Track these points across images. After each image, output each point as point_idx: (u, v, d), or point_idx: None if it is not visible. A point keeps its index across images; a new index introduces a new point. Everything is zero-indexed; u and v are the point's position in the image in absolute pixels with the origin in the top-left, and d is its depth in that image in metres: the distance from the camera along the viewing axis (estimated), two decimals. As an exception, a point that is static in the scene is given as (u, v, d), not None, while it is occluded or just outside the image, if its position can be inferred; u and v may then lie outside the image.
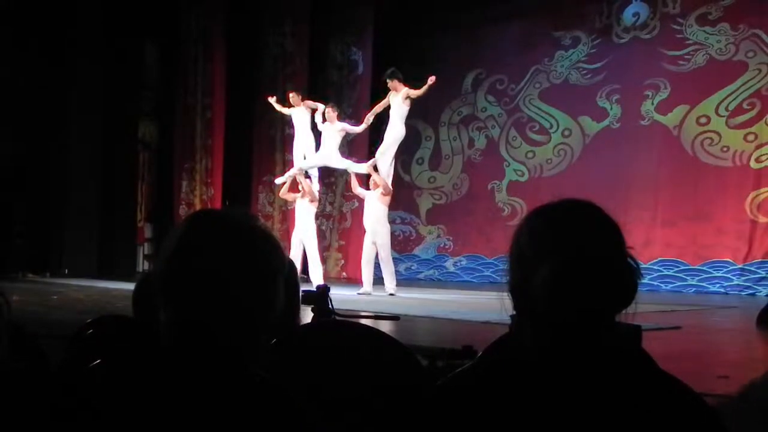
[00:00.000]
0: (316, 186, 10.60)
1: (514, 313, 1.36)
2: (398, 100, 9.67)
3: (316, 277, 9.84)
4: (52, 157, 13.03)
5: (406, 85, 9.67)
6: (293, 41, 12.86)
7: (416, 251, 13.44)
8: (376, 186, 9.55)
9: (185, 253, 1.30)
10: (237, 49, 13.17)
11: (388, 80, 9.73)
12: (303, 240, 10.14)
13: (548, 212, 1.36)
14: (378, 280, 9.59)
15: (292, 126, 12.17)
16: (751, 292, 10.14)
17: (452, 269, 13.01)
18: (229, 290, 1.29)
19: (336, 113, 10.35)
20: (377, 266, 9.60)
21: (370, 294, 9.24)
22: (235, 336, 1.30)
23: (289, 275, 2.32)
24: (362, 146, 12.73)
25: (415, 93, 9.65)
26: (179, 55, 13.52)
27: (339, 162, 10.33)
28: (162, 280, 1.31)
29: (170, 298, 1.31)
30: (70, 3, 12.71)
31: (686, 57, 11.00)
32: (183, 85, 13.47)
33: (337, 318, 3.36)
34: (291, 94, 10.98)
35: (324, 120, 10.37)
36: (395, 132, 9.79)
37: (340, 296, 7.52)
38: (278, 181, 11.04)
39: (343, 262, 13.26)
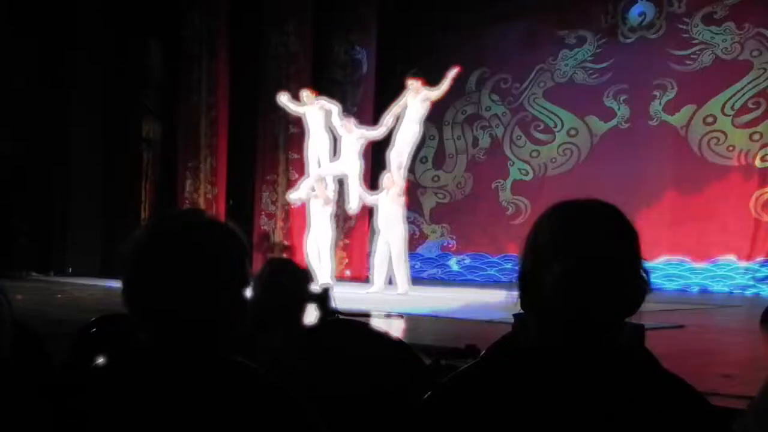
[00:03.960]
0: (331, 186, 10.57)
1: (520, 308, 1.36)
2: (416, 102, 9.65)
3: (324, 276, 9.84)
4: (55, 156, 13.04)
5: (426, 85, 9.70)
6: (297, 40, 12.84)
7: (420, 250, 13.43)
8: (390, 185, 9.51)
9: (146, 256, 1.34)
10: (240, 47, 13.17)
11: (410, 79, 9.75)
12: (318, 240, 10.19)
13: (570, 209, 1.35)
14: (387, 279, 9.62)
15: (299, 125, 12.20)
16: (755, 291, 10.13)
17: (456, 268, 13.00)
18: (196, 283, 1.32)
19: (352, 122, 10.33)
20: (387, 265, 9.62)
21: (381, 292, 9.26)
22: (209, 328, 1.33)
23: (297, 278, 2.32)
24: (368, 145, 12.74)
25: (436, 94, 9.64)
26: (183, 53, 13.51)
27: (354, 179, 10.19)
28: (128, 284, 1.35)
29: (136, 297, 1.34)
30: (72, 1, 12.72)
31: (692, 56, 10.99)
32: (187, 84, 13.47)
33: (341, 317, 3.36)
34: (304, 93, 10.88)
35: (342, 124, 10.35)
36: (410, 133, 9.76)
37: (350, 295, 7.59)
38: (293, 197, 10.90)
39: (347, 260, 13.26)
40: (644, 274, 1.32)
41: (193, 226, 1.37)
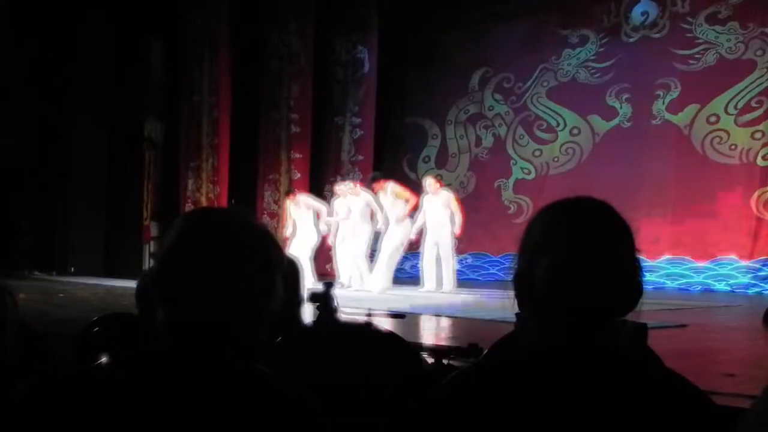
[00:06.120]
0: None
1: (517, 309, 1.36)
2: (389, 201, 9.73)
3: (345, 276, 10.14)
4: (58, 156, 13.06)
5: (388, 181, 9.83)
6: (298, 40, 12.85)
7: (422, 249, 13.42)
8: (437, 189, 9.70)
9: (180, 252, 1.30)
10: (242, 47, 13.18)
11: (377, 183, 9.88)
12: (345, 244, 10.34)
13: (560, 205, 1.35)
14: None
15: (300, 125, 12.25)
16: (757, 289, 10.12)
17: (458, 267, 12.98)
18: (227, 286, 1.28)
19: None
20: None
21: (434, 292, 9.54)
22: (234, 333, 1.30)
23: (289, 274, 2.32)
24: (368, 158, 12.85)
25: (403, 195, 9.66)
26: (185, 53, 13.53)
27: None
28: (159, 278, 1.31)
29: (166, 296, 1.30)
30: (75, 1, 12.73)
31: (696, 56, 10.98)
32: (188, 84, 13.48)
33: (342, 316, 3.36)
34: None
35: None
36: (393, 240, 9.75)
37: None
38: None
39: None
40: (637, 269, 1.31)
41: (227, 226, 1.33)
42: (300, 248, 10.02)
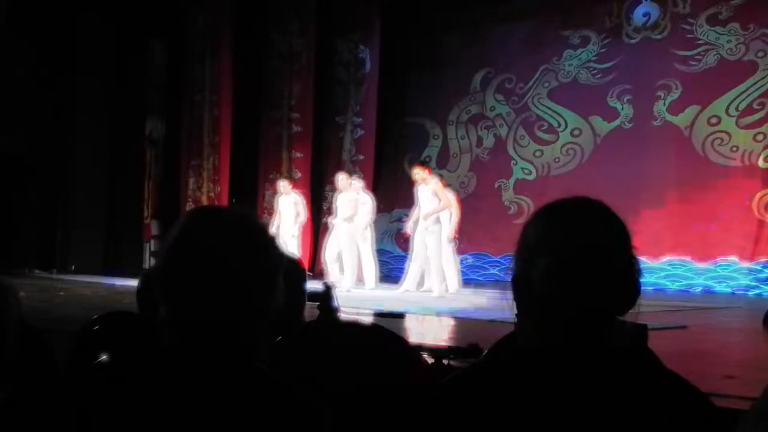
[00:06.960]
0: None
1: (515, 311, 1.36)
2: (428, 194, 9.54)
3: (346, 279, 10.04)
4: (59, 154, 13.07)
5: (432, 175, 9.64)
6: (300, 39, 12.85)
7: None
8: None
9: (183, 250, 1.30)
10: (244, 46, 13.18)
11: (417, 169, 9.66)
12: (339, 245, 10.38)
13: (556, 206, 1.36)
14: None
15: (301, 124, 12.25)
16: (757, 291, 10.12)
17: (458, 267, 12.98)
18: (229, 286, 1.28)
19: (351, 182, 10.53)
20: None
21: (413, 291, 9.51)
22: (235, 332, 1.30)
23: (294, 273, 2.32)
24: (369, 158, 12.84)
25: (441, 193, 9.46)
26: (186, 52, 13.53)
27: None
28: (161, 277, 1.31)
29: (168, 295, 1.30)
30: (75, 1, 12.74)
31: (697, 57, 10.97)
32: (190, 83, 13.48)
33: (343, 316, 3.36)
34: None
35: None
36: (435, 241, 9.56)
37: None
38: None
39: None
40: (635, 268, 1.31)
41: (229, 226, 1.33)
42: (287, 241, 10.26)
